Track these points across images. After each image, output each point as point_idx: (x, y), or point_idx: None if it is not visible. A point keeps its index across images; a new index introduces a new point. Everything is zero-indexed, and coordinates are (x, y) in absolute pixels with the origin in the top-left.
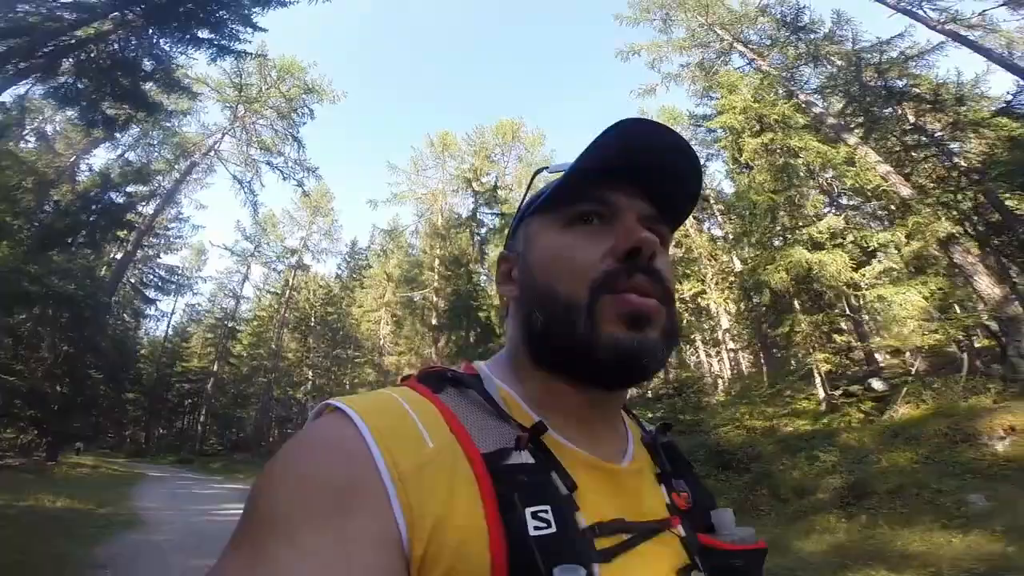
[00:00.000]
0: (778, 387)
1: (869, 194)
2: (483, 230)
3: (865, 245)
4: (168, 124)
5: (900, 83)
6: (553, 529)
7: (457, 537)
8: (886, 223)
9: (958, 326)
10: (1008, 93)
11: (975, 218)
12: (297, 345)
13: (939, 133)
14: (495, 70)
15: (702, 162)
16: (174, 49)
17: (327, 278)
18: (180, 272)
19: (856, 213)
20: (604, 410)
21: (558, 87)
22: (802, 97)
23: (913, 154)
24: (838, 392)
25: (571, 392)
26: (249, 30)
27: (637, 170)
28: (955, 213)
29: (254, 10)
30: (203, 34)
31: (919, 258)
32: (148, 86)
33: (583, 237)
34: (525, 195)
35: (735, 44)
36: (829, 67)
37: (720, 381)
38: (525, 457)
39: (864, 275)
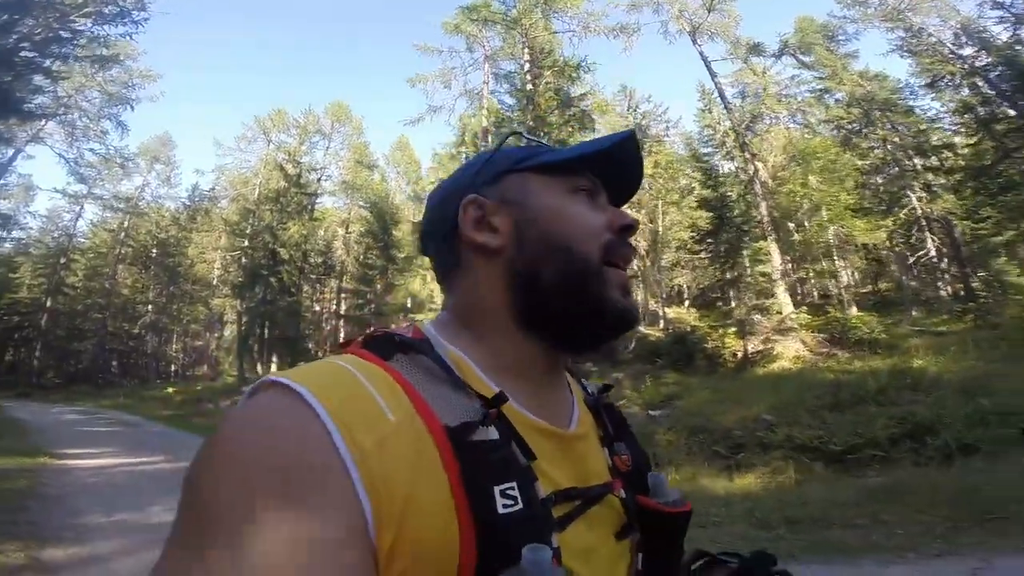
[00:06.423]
0: None
1: None
2: (290, 208)
3: None
4: None
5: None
6: (520, 506)
7: (424, 519)
8: None
9: None
10: None
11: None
12: (134, 279)
13: None
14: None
15: None
16: None
17: (167, 214)
18: (5, 213)
19: None
20: (558, 373)
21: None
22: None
23: None
24: None
25: (541, 354)
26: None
27: (615, 174)
28: None
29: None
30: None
31: None
32: None
33: (586, 206)
34: (495, 150)
35: (486, 82)
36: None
37: None
38: (490, 432)
39: None
